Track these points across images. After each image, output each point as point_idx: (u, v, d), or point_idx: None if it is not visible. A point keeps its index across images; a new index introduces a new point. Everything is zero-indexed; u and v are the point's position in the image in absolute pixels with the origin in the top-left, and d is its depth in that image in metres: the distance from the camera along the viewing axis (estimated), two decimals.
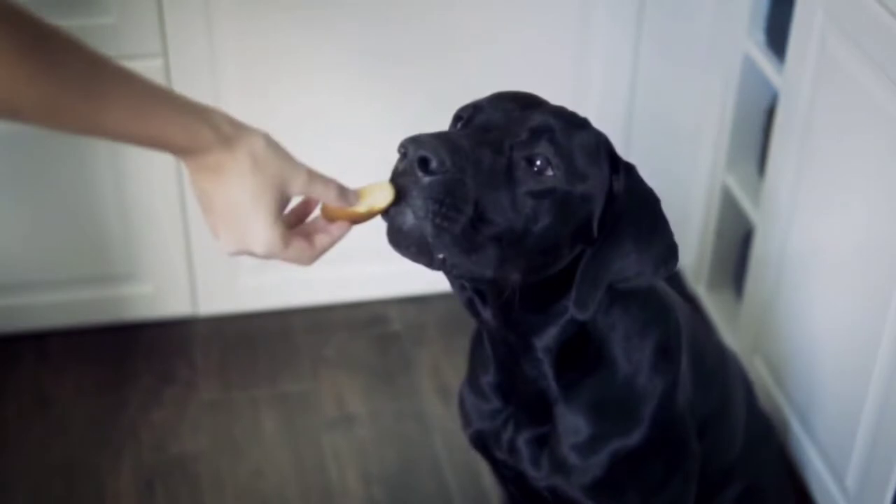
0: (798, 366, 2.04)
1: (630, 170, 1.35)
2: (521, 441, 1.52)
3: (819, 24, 1.87)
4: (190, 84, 2.17)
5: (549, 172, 1.27)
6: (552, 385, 1.45)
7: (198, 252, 2.36)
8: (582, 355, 1.43)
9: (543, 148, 1.27)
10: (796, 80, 1.95)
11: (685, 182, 2.45)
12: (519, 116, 1.31)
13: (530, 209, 1.27)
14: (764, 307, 2.13)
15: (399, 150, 1.24)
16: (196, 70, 2.17)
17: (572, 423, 1.47)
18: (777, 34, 2.09)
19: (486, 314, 1.41)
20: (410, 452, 2.20)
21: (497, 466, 1.61)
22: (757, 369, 2.17)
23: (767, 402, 2.11)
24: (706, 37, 2.27)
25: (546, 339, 1.40)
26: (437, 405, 2.29)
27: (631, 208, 1.32)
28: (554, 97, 2.31)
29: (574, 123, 1.33)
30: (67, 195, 2.28)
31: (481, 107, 1.33)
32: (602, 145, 1.33)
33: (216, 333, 2.44)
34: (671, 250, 1.35)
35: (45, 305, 2.38)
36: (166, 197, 2.30)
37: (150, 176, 2.27)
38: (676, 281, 2.53)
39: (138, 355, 2.38)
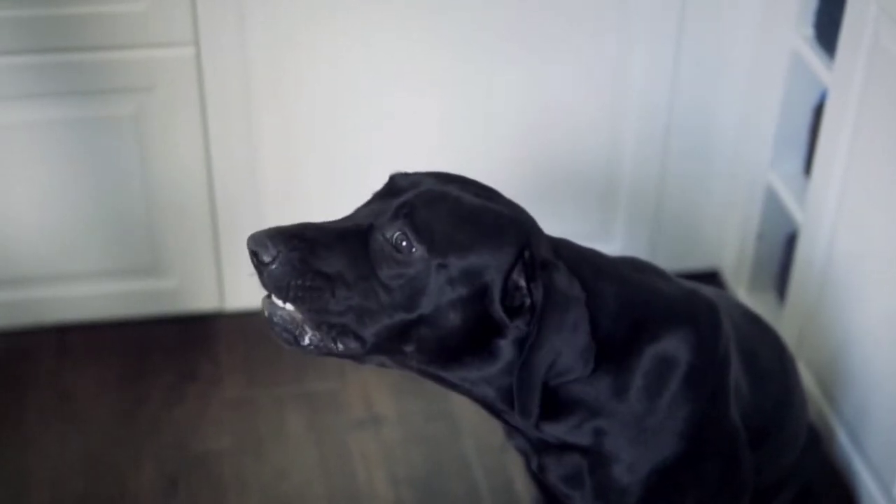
0: (844, 373, 1.99)
1: (550, 269, 1.34)
2: (554, 478, 1.52)
3: (872, 18, 1.83)
4: (221, 73, 2.14)
5: (413, 249, 1.31)
6: (540, 432, 1.44)
7: (225, 246, 2.33)
8: (560, 409, 1.42)
9: (399, 226, 1.32)
10: (847, 76, 1.91)
11: (727, 180, 2.41)
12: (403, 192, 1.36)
13: (393, 283, 1.31)
14: (808, 312, 2.09)
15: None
16: (227, 59, 2.14)
17: (597, 458, 1.46)
18: (826, 29, 2.04)
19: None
20: (439, 454, 2.16)
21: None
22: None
23: (812, 410, 2.06)
24: (752, 31, 2.24)
25: (489, 396, 1.41)
26: (466, 406, 2.24)
27: (556, 308, 1.33)
28: (594, 93, 2.30)
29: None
30: (93, 187, 2.25)
31: (392, 179, 1.40)
32: (508, 225, 1.34)
33: (242, 329, 2.41)
34: (590, 347, 1.37)
35: (68, 298, 2.36)
36: (194, 190, 2.27)
37: (177, 169, 2.25)
38: (716, 283, 2.48)
39: (162, 351, 2.36)
